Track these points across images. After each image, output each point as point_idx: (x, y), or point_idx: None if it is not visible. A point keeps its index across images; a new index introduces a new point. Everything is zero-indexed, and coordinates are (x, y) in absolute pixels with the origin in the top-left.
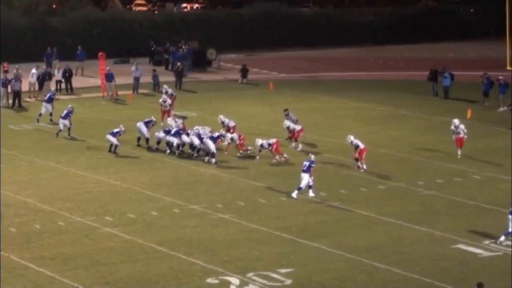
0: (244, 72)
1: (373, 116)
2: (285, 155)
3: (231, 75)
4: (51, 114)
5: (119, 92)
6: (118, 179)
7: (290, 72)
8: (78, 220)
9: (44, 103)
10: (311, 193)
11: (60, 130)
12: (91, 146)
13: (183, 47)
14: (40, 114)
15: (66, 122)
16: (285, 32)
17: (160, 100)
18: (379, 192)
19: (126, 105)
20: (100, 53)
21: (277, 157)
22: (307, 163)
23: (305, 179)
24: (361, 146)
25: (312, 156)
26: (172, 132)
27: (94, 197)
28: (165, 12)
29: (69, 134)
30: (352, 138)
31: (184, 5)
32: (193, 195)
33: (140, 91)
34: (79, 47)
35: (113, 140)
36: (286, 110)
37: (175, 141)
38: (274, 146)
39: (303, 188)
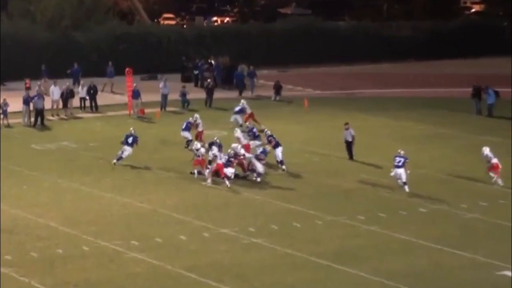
0: (278, 88)
1: (412, 135)
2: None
3: (264, 91)
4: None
5: (146, 110)
6: (145, 201)
7: (325, 88)
8: (103, 244)
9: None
10: (406, 189)
11: (121, 158)
12: (116, 167)
13: (213, 62)
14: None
15: (130, 149)
16: (320, 47)
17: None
18: (419, 215)
19: (153, 123)
20: (127, 69)
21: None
22: (401, 159)
23: (403, 174)
24: (493, 160)
25: (402, 152)
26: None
27: (120, 220)
28: (195, 26)
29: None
30: (487, 151)
31: (215, 18)
32: (223, 218)
33: (168, 109)
34: (110, 63)
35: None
36: (346, 124)
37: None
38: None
39: (406, 182)
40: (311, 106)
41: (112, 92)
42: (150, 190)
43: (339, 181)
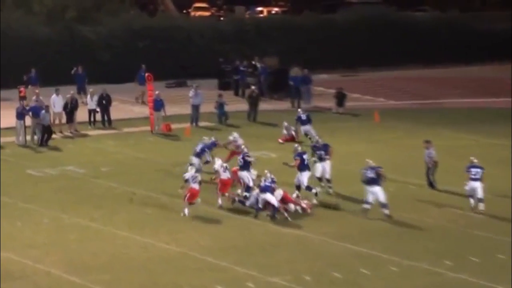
0: (340, 98)
1: (508, 157)
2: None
3: (323, 102)
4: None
5: (173, 126)
6: (172, 241)
7: (401, 98)
8: None
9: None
10: (482, 207)
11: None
12: (135, 198)
13: (258, 65)
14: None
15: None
16: (393, 44)
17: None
18: None
19: (181, 141)
20: (146, 74)
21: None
22: (479, 170)
23: (480, 189)
24: None
25: (476, 160)
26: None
27: (140, 266)
28: (234, 19)
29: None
30: None
31: (260, 9)
32: (272, 264)
33: (201, 123)
34: (143, 66)
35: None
36: (427, 142)
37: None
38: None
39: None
40: (383, 120)
41: (143, 102)
42: (178, 228)
43: (419, 216)
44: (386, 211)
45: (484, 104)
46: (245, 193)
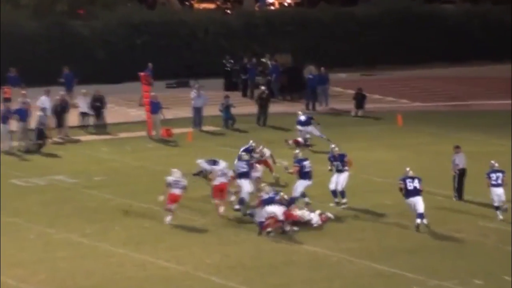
0: (360, 99)
1: None
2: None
3: (341, 104)
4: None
5: (174, 130)
6: (172, 259)
7: (427, 99)
8: None
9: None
10: (500, 216)
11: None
12: (132, 210)
13: (269, 63)
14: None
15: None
16: (419, 40)
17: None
18: None
19: (183, 148)
20: (142, 74)
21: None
22: (500, 175)
23: (502, 194)
24: None
25: (496, 164)
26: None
27: (138, 286)
28: (242, 12)
29: None
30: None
31: (270, 0)
32: (284, 284)
33: (205, 128)
34: (150, 64)
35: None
36: (457, 147)
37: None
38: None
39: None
40: (408, 123)
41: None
42: (180, 244)
43: (447, 230)
44: (425, 221)
45: None
46: (236, 206)
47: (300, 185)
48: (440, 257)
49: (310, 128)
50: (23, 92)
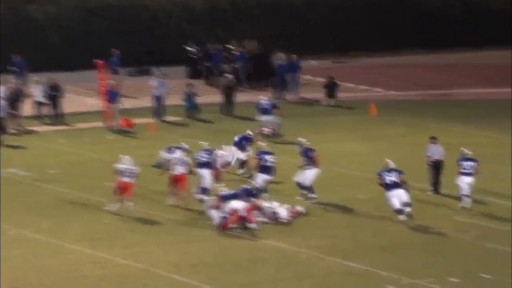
0: (331, 88)
1: None
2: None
3: (311, 92)
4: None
5: (136, 120)
6: (130, 256)
7: (403, 88)
8: None
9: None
10: (465, 204)
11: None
12: (90, 204)
13: (235, 49)
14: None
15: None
16: (395, 25)
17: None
18: None
19: (144, 139)
20: (97, 61)
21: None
22: (472, 163)
23: (469, 182)
24: None
25: (470, 152)
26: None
27: (94, 285)
28: None
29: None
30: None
31: None
32: (250, 283)
33: (167, 118)
34: (114, 51)
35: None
36: (433, 138)
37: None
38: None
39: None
40: (382, 113)
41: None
42: (138, 241)
43: (423, 226)
44: (408, 209)
45: (501, 95)
46: (201, 196)
47: (259, 179)
48: (416, 254)
49: (269, 118)
50: None
